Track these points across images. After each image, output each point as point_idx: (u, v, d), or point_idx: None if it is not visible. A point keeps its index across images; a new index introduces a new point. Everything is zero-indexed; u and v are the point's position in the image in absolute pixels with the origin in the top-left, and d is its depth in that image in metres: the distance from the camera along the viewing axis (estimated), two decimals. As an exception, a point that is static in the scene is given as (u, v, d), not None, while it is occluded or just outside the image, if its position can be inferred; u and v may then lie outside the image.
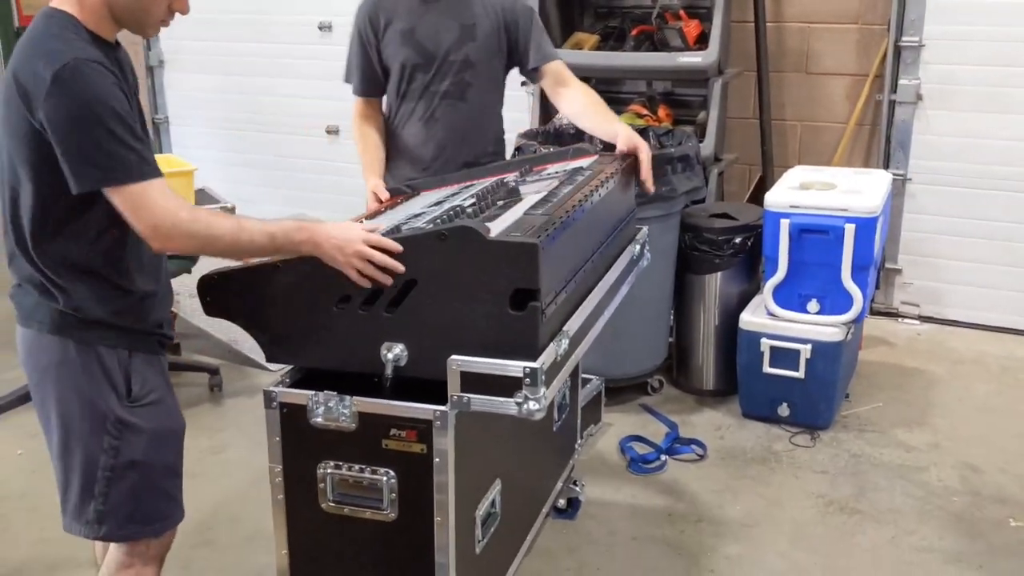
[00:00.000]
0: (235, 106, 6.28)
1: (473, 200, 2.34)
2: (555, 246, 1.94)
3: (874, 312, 4.68)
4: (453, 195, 2.58)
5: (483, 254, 1.88)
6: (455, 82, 2.93)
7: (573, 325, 2.07)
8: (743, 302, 3.82)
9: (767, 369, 3.63)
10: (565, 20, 4.64)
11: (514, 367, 1.87)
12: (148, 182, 1.81)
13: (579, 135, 4.01)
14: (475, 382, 1.91)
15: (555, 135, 4.01)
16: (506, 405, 1.90)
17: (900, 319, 4.69)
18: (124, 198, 1.81)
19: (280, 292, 2.05)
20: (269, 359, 2.14)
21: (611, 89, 4.86)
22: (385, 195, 2.80)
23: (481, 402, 1.92)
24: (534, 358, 1.88)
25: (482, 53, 2.94)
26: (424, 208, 2.46)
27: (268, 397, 2.08)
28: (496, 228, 1.96)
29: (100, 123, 1.75)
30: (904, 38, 4.39)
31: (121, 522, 1.99)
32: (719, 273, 3.83)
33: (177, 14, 1.95)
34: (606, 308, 2.36)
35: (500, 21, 2.94)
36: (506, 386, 1.89)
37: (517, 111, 4.98)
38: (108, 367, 1.94)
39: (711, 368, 3.95)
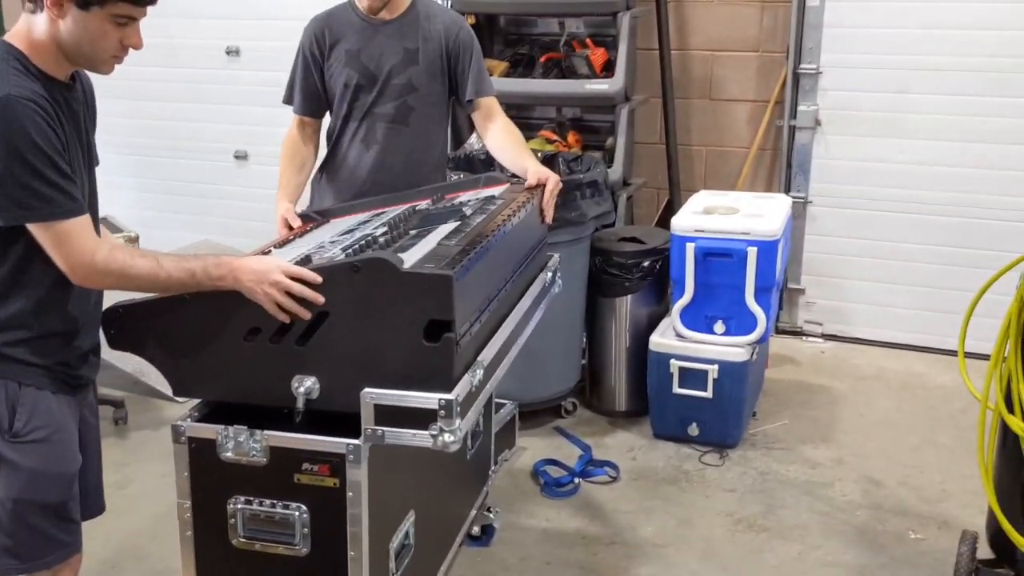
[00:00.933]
0: (142, 131, 6.13)
1: (385, 229, 2.34)
2: (469, 276, 1.96)
3: (779, 331, 4.81)
4: (364, 223, 2.58)
5: (397, 286, 1.88)
6: (398, 106, 2.97)
7: (488, 354, 2.09)
8: (653, 324, 3.89)
9: (677, 390, 3.70)
10: (475, 46, 4.67)
11: (429, 399, 1.87)
12: (69, 220, 1.82)
13: (489, 162, 4.04)
14: (389, 415, 1.91)
15: (466, 161, 4.04)
16: (421, 438, 1.90)
17: (804, 337, 4.83)
18: (45, 235, 1.82)
19: (188, 324, 2.02)
20: (177, 393, 2.10)
21: (521, 115, 4.91)
22: (296, 221, 2.78)
23: (395, 435, 1.91)
24: (449, 390, 1.88)
25: (424, 78, 2.97)
26: (335, 236, 2.45)
27: (176, 431, 2.04)
28: (409, 259, 1.97)
29: (23, 159, 1.76)
30: (802, 66, 4.54)
31: None
32: (629, 296, 3.89)
33: (126, 51, 1.90)
34: (520, 336, 2.38)
35: (443, 48, 2.98)
36: (421, 418, 1.89)
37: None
38: None
39: (623, 390, 4.00)
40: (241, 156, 5.87)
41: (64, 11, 1.81)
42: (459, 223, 2.26)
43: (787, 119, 4.62)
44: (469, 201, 2.58)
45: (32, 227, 1.82)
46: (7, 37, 1.88)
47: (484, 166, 4.00)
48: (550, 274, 2.74)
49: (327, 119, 3.15)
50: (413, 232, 2.28)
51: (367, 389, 1.90)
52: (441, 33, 2.98)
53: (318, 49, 2.99)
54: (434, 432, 1.88)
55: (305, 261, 2.08)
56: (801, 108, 4.59)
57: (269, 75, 5.65)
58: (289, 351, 1.97)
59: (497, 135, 2.99)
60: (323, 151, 3.17)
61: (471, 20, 4.60)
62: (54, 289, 1.92)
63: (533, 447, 3.76)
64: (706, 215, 3.72)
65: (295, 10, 5.44)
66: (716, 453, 3.69)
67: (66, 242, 1.82)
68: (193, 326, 2.01)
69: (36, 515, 1.94)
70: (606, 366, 4.01)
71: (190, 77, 5.84)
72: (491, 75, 4.51)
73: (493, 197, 2.55)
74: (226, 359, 2.01)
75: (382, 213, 2.66)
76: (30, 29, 1.86)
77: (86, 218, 1.85)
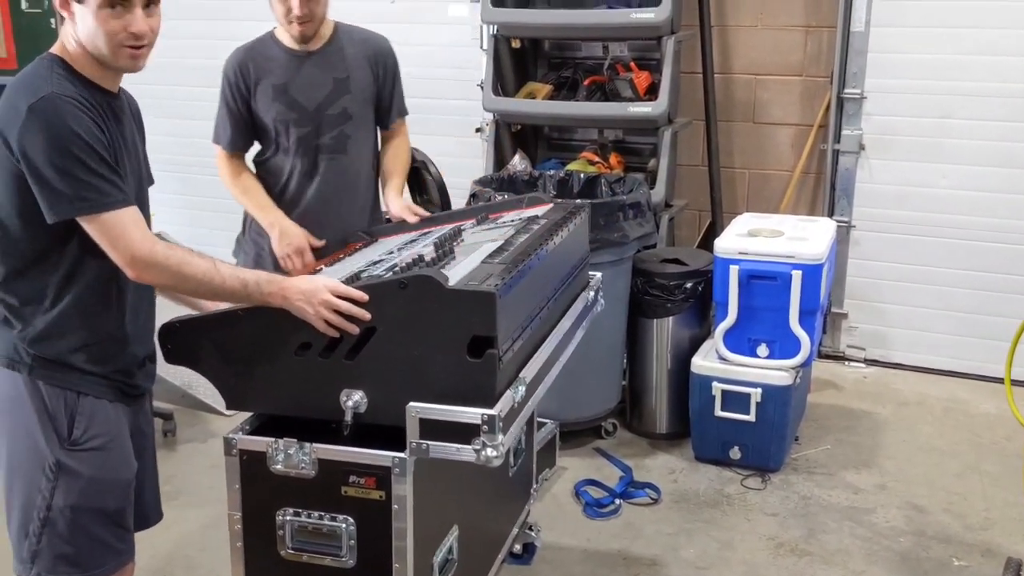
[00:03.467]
0: (191, 149, 6.25)
1: (431, 248, 2.39)
2: (512, 294, 1.99)
3: (822, 356, 4.79)
4: (411, 242, 2.63)
5: (442, 302, 1.92)
6: (335, 136, 2.95)
7: (529, 371, 2.12)
8: (695, 346, 3.90)
9: (719, 413, 3.70)
10: (519, 70, 4.73)
11: (472, 414, 1.91)
12: (122, 210, 1.85)
13: (532, 182, 4.09)
14: (433, 429, 1.94)
15: (509, 182, 4.09)
16: (464, 452, 1.93)
17: (847, 362, 4.80)
18: (99, 227, 1.85)
19: (242, 340, 2.07)
20: (230, 406, 2.16)
21: (564, 137, 4.97)
22: (315, 241, 2.88)
23: (439, 449, 1.95)
24: (491, 405, 1.91)
25: (358, 105, 2.99)
26: (382, 255, 2.50)
27: (228, 444, 2.09)
28: (454, 276, 2.01)
29: (70, 152, 1.80)
30: (846, 90, 4.54)
31: (51, 563, 1.98)
32: (671, 318, 3.90)
33: (150, 44, 1.93)
34: (561, 354, 2.41)
35: (372, 72, 3.01)
36: (464, 433, 1.92)
37: (471, 157, 5.08)
38: (51, 407, 1.94)
39: (664, 412, 4.01)
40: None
41: (71, 10, 1.87)
42: (503, 242, 2.29)
43: (831, 143, 4.61)
44: (513, 221, 2.62)
45: (85, 222, 1.85)
46: (52, 50, 1.94)
47: (527, 186, 4.05)
48: (592, 293, 2.77)
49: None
50: (458, 251, 2.32)
51: (412, 403, 1.94)
52: (371, 59, 3.00)
53: (243, 84, 2.91)
54: (477, 447, 1.91)
55: (354, 279, 2.13)
56: (845, 132, 4.59)
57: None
58: (338, 366, 2.01)
59: (386, 153, 3.12)
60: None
61: (516, 44, 4.68)
62: (109, 291, 1.97)
63: (574, 467, 3.77)
64: (750, 237, 3.73)
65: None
66: (758, 477, 3.68)
67: (122, 233, 1.85)
68: (247, 341, 2.07)
69: (95, 523, 1.99)
70: (647, 388, 4.02)
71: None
72: (534, 98, 4.60)
73: (536, 217, 2.58)
74: (278, 373, 2.06)
75: (428, 233, 2.71)
76: (64, 39, 1.92)
77: (137, 211, 1.89)
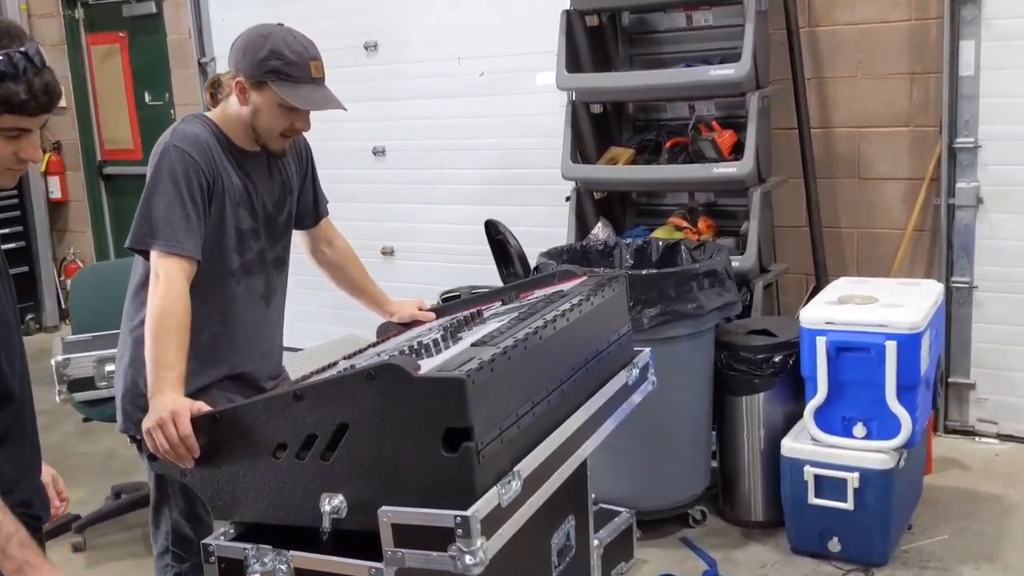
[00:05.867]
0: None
1: (441, 333, 2.21)
2: (495, 378, 1.78)
3: (949, 431, 4.32)
4: (436, 328, 2.46)
5: (411, 393, 1.72)
6: (284, 244, 2.57)
7: (531, 463, 1.89)
8: (790, 424, 3.55)
9: (813, 500, 3.33)
10: (601, 135, 4.56)
11: (444, 516, 1.69)
12: None
13: (607, 252, 3.88)
14: (409, 535, 1.73)
15: (581, 252, 3.88)
16: (441, 560, 1.71)
17: (976, 438, 4.30)
18: None
19: (220, 444, 1.94)
20: (217, 516, 2.02)
21: (652, 202, 4.74)
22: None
23: (415, 557, 1.73)
24: (469, 505, 1.70)
25: (295, 207, 2.60)
26: (398, 345, 2.34)
27: (206, 551, 1.93)
28: (432, 363, 1.82)
29: None
30: (959, 140, 4.14)
31: None
32: (760, 394, 3.57)
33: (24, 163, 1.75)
34: (586, 440, 2.16)
35: (297, 164, 2.62)
36: (440, 538, 1.71)
37: (563, 227, 4.88)
38: None
39: (758, 497, 3.66)
40: (388, 252, 5.96)
41: None
42: (508, 322, 2.09)
43: (944, 197, 4.21)
44: (540, 298, 2.41)
45: None
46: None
47: (601, 257, 3.84)
48: (636, 371, 2.51)
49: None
50: (466, 335, 2.13)
51: (384, 507, 1.74)
52: (299, 150, 2.62)
53: (206, 180, 2.33)
54: (453, 553, 1.69)
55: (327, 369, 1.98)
56: (960, 185, 4.18)
57: (412, 173, 5.77)
58: (315, 467, 1.84)
59: (342, 262, 2.76)
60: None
61: (598, 109, 4.50)
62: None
63: (655, 559, 3.47)
64: (839, 305, 3.39)
65: (435, 110, 5.57)
66: (861, 572, 3.28)
67: None
68: (225, 445, 1.93)
69: None
70: (739, 471, 3.68)
71: (339, 177, 6.02)
72: (616, 163, 4.41)
73: (561, 292, 2.37)
74: (257, 478, 1.91)
75: (457, 317, 2.54)
76: None
77: None
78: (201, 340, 2.33)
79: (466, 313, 2.45)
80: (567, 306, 2.17)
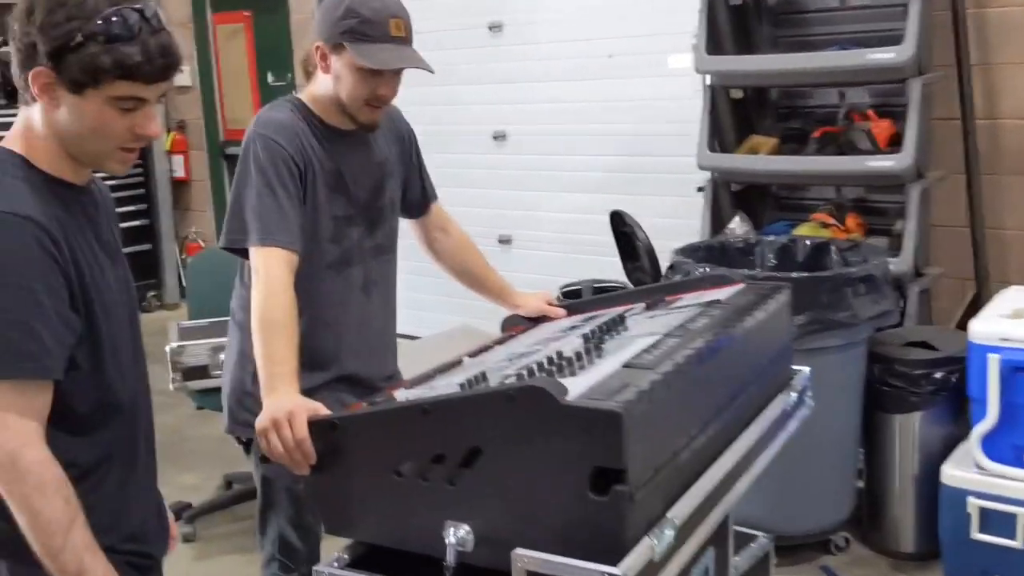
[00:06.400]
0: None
1: (580, 341, 1.98)
2: (654, 410, 1.54)
3: None
4: (570, 329, 2.23)
5: (557, 422, 1.50)
6: (387, 232, 2.40)
7: (684, 508, 1.64)
8: (949, 448, 3.21)
9: (976, 535, 2.99)
10: (740, 122, 4.24)
11: (592, 572, 1.46)
12: (23, 383, 1.48)
13: (747, 250, 3.58)
14: (546, 583, 1.52)
15: (719, 250, 3.59)
16: (580, 619, 1.49)
17: None
18: None
19: (337, 452, 1.76)
20: (329, 530, 1.84)
21: (794, 196, 4.40)
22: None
23: (552, 611, 1.52)
24: (617, 559, 1.46)
25: (398, 190, 2.43)
26: (529, 347, 2.11)
27: (318, 576, 1.77)
28: (580, 385, 1.59)
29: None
30: None
31: None
32: (917, 413, 3.24)
33: (141, 140, 1.59)
34: (741, 476, 1.90)
35: (403, 148, 2.46)
36: (582, 593, 1.48)
37: (693, 218, 4.59)
38: None
39: (909, 527, 3.33)
40: (505, 240, 5.77)
41: (57, 98, 1.52)
42: (663, 335, 1.84)
43: None
44: (690, 305, 2.16)
45: None
46: (3, 142, 1.59)
47: (740, 255, 3.55)
48: (795, 395, 2.23)
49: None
50: (609, 346, 1.89)
51: (519, 550, 1.52)
52: (398, 134, 2.45)
53: (299, 166, 2.18)
54: (597, 614, 1.46)
55: (470, 384, 1.77)
56: None
57: (533, 159, 5.55)
58: (440, 491, 1.64)
59: (460, 251, 2.56)
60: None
61: (738, 94, 4.20)
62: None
63: (792, 588, 3.19)
64: (1015, 320, 3.02)
65: (560, 93, 5.34)
66: (1029, 618, 2.93)
67: (4, 413, 1.47)
68: (342, 454, 1.75)
69: None
70: (888, 496, 3.36)
71: (458, 163, 5.85)
72: (756, 153, 4.09)
73: (717, 301, 2.10)
74: (376, 495, 1.71)
75: (593, 318, 2.30)
76: (29, 127, 1.58)
77: (47, 393, 1.52)
78: (307, 342, 2.16)
79: (607, 316, 2.20)
80: (730, 321, 1.91)
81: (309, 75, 2.32)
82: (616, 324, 2.07)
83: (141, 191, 7.21)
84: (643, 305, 2.27)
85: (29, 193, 1.53)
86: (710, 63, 4.00)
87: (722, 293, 2.20)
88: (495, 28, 5.51)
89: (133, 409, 1.73)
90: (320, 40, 2.20)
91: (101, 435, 1.67)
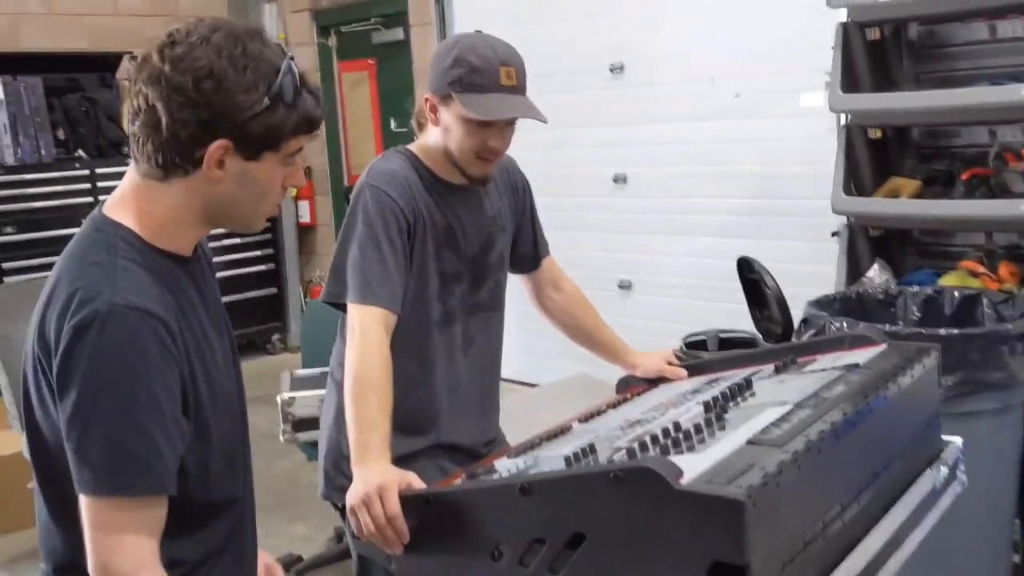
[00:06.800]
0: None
1: (700, 409, 1.79)
2: (782, 496, 1.35)
3: None
4: (692, 392, 2.05)
5: (669, 508, 1.32)
6: (492, 289, 2.28)
7: (817, 608, 1.44)
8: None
9: None
10: (879, 164, 3.96)
11: None
12: (139, 501, 1.36)
13: (888, 302, 3.31)
14: None
15: (857, 302, 3.33)
16: None
17: None
18: (95, 509, 1.36)
19: (431, 531, 1.62)
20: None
21: (939, 242, 4.08)
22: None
23: None
24: (739, 671, 1.27)
25: (508, 246, 2.33)
26: (645, 413, 1.94)
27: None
28: (697, 465, 1.41)
29: (113, 407, 1.35)
30: None
31: None
32: (1086, 487, 2.90)
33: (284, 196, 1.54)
34: (883, 567, 1.67)
35: (512, 200, 2.35)
36: None
37: (827, 264, 4.30)
38: None
39: (1077, 611, 2.97)
40: (625, 286, 5.60)
41: (226, 169, 1.41)
42: (796, 404, 1.64)
43: None
44: (826, 369, 1.94)
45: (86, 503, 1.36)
46: (110, 211, 1.47)
47: (881, 307, 3.27)
48: (946, 469, 1.98)
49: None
50: (733, 416, 1.70)
51: (627, 654, 1.35)
52: (513, 187, 2.34)
53: (408, 220, 2.09)
54: None
55: (576, 458, 1.61)
56: None
57: (654, 202, 5.37)
58: (540, 578, 1.48)
59: (572, 307, 2.43)
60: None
61: (877, 134, 3.94)
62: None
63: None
64: None
65: (683, 134, 5.15)
66: None
67: (119, 534, 1.36)
68: (437, 533, 1.61)
69: None
70: (1049, 574, 3.01)
71: (577, 206, 5.73)
72: (897, 196, 3.81)
73: (856, 366, 1.88)
74: (471, 579, 1.58)
75: (716, 381, 2.11)
76: (152, 199, 1.45)
77: (161, 511, 1.41)
78: (405, 405, 2.04)
79: (732, 380, 2.01)
80: (871, 389, 1.69)
81: (421, 127, 2.24)
82: (742, 390, 1.88)
83: (268, 236, 7.35)
84: (772, 367, 2.06)
85: (146, 278, 1.42)
86: (846, 101, 3.76)
87: (862, 355, 1.98)
88: (616, 69, 5.38)
89: (245, 499, 1.65)
90: (429, 91, 2.12)
91: (209, 530, 1.57)
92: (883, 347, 2.02)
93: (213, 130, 1.37)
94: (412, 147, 2.22)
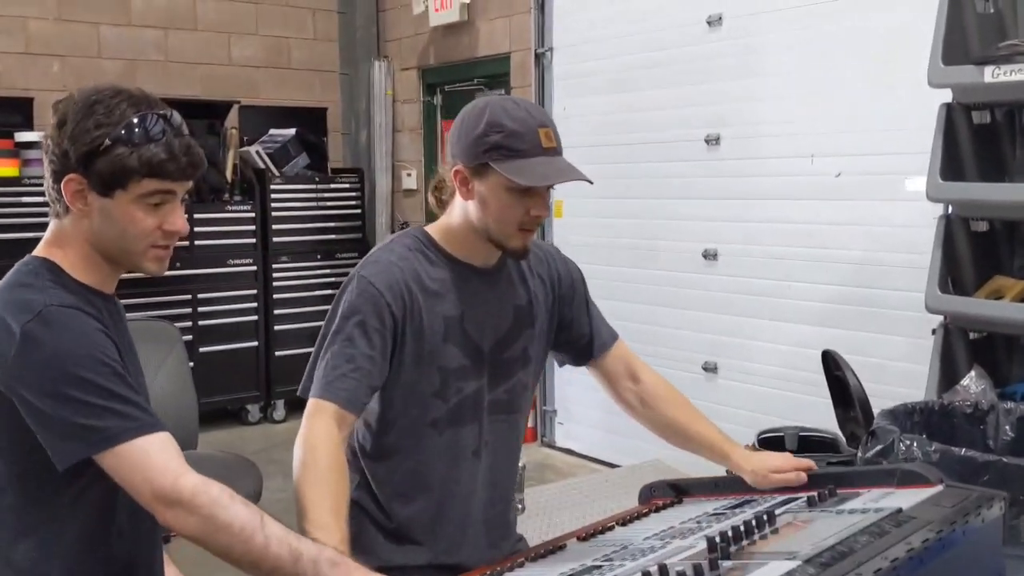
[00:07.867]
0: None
1: (704, 546, 1.54)
2: None
3: None
4: (712, 516, 1.80)
5: None
6: (510, 388, 2.05)
7: None
8: None
9: None
10: (983, 259, 3.61)
11: None
12: (145, 437, 1.50)
13: (977, 417, 2.95)
14: None
15: (940, 414, 2.97)
16: None
17: None
18: (117, 461, 1.49)
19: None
20: None
21: (1054, 351, 3.69)
22: None
23: None
24: None
25: (538, 342, 2.11)
26: (646, 541, 1.70)
27: None
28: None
29: (81, 379, 1.49)
30: None
31: None
32: None
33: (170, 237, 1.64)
34: None
35: (554, 293, 2.14)
36: None
37: (917, 363, 3.93)
38: None
39: None
40: (710, 368, 5.29)
41: (88, 204, 1.58)
42: (804, 560, 1.38)
43: None
44: (866, 509, 1.66)
45: (102, 458, 1.50)
46: (34, 252, 1.66)
47: (967, 422, 2.91)
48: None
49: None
50: (729, 564, 1.45)
51: None
52: (555, 275, 2.14)
53: (398, 314, 1.90)
54: None
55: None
56: None
57: (745, 281, 5.08)
58: None
59: (656, 401, 2.17)
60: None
61: (983, 227, 3.60)
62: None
63: None
64: None
65: (779, 213, 4.87)
66: None
67: (148, 463, 1.48)
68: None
69: None
70: None
71: (665, 280, 5.49)
72: (1000, 297, 3.45)
73: (899, 511, 1.60)
74: None
75: (744, 504, 1.86)
76: (59, 237, 1.64)
77: (167, 435, 1.53)
78: (399, 517, 1.85)
79: (756, 510, 1.76)
80: (906, 547, 1.42)
81: (442, 203, 2.05)
82: (760, 526, 1.62)
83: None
84: (805, 499, 1.79)
85: (73, 300, 1.57)
86: (944, 190, 3.44)
87: (909, 497, 1.70)
88: (712, 141, 5.15)
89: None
90: (459, 163, 1.93)
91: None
92: (939, 489, 1.73)
93: (65, 166, 1.56)
94: (430, 228, 2.05)
